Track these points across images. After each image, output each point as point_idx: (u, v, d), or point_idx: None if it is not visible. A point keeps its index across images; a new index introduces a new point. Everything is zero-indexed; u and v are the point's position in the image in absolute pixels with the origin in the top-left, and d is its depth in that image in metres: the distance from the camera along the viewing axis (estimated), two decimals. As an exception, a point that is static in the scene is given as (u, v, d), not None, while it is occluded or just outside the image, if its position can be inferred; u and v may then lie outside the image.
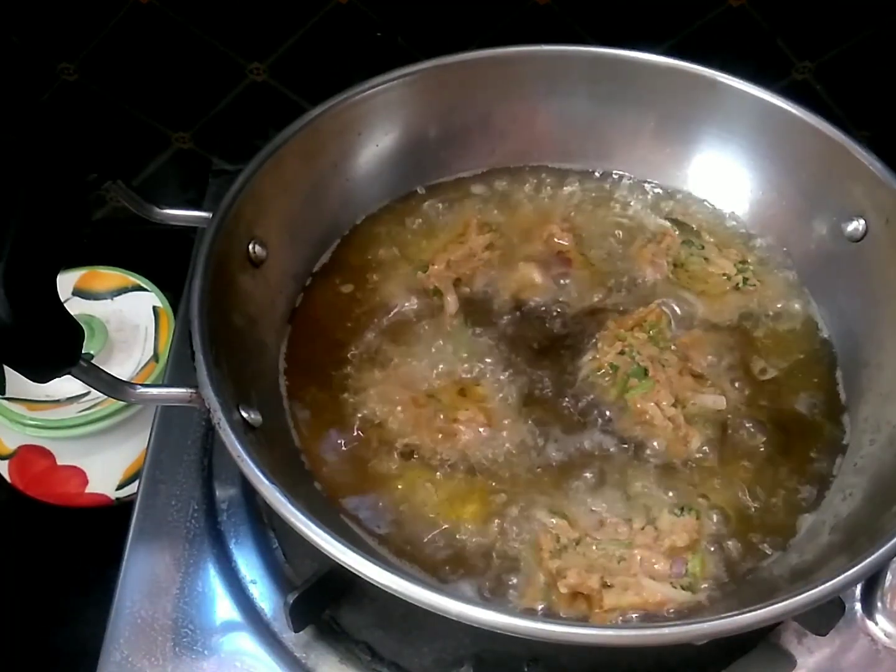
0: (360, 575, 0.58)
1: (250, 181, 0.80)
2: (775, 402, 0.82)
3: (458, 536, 0.73)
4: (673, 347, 0.84)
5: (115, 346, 1.03)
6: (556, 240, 0.93)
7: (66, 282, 1.06)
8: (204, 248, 0.74)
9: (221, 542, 0.83)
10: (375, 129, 0.93)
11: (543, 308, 0.88)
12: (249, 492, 0.85)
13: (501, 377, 0.82)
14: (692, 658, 0.75)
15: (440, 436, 0.78)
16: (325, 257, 0.92)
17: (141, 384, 0.70)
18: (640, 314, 0.86)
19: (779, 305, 0.89)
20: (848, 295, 0.86)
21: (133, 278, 1.09)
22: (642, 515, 0.74)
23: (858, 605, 0.80)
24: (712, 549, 0.73)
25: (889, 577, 0.80)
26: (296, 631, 0.74)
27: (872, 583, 0.80)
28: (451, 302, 0.87)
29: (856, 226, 0.85)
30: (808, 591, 0.59)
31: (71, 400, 0.99)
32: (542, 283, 0.89)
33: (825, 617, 0.70)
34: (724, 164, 0.96)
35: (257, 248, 0.82)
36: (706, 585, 0.71)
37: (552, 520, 0.73)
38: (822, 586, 0.59)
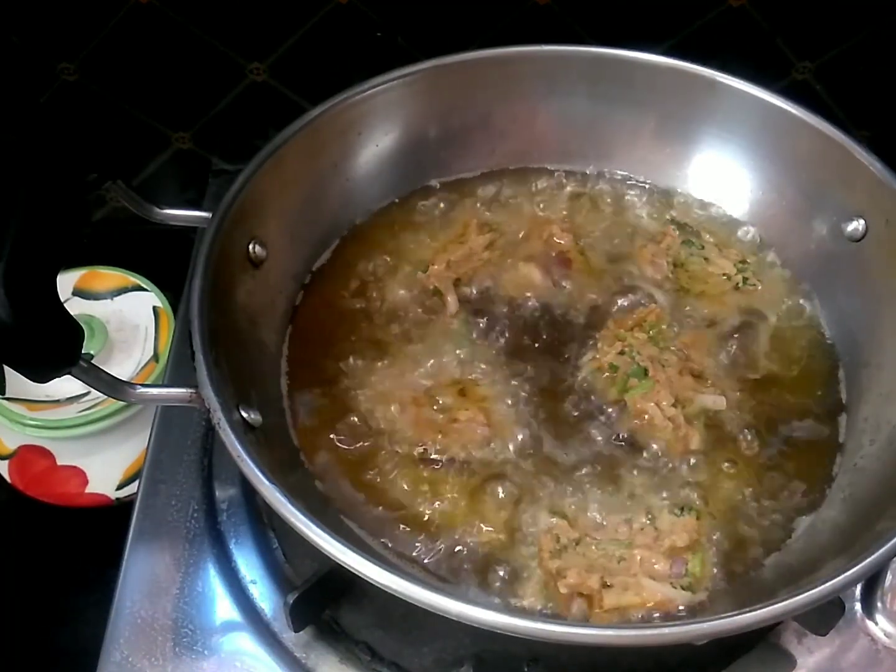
0: (360, 575, 0.58)
1: (250, 181, 0.80)
2: (775, 401, 0.82)
3: (457, 536, 0.73)
4: (673, 347, 0.84)
5: (115, 346, 1.03)
6: (556, 240, 0.93)
7: (66, 282, 1.06)
8: (204, 248, 0.75)
9: (221, 542, 0.83)
10: (375, 129, 0.93)
11: (543, 308, 0.88)
12: (249, 492, 0.85)
13: (501, 377, 0.82)
14: (692, 658, 0.75)
15: (440, 435, 0.78)
16: (325, 257, 0.92)
17: (141, 384, 0.70)
18: (640, 314, 0.86)
19: (779, 305, 0.89)
20: (848, 295, 0.86)
21: (133, 278, 1.09)
22: (642, 515, 0.74)
23: (858, 605, 0.80)
24: (712, 549, 0.73)
25: (889, 577, 0.80)
26: (296, 631, 0.74)
27: (872, 583, 0.80)
28: (451, 302, 0.87)
29: (856, 226, 0.85)
30: (808, 591, 0.59)
31: (71, 400, 0.99)
32: (542, 283, 0.89)
33: (825, 617, 0.70)
34: (724, 164, 0.96)
35: (257, 248, 0.82)
36: (706, 585, 0.71)
37: (552, 520, 0.73)
38: (822, 586, 0.59)
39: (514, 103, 0.97)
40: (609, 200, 0.98)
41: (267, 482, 0.61)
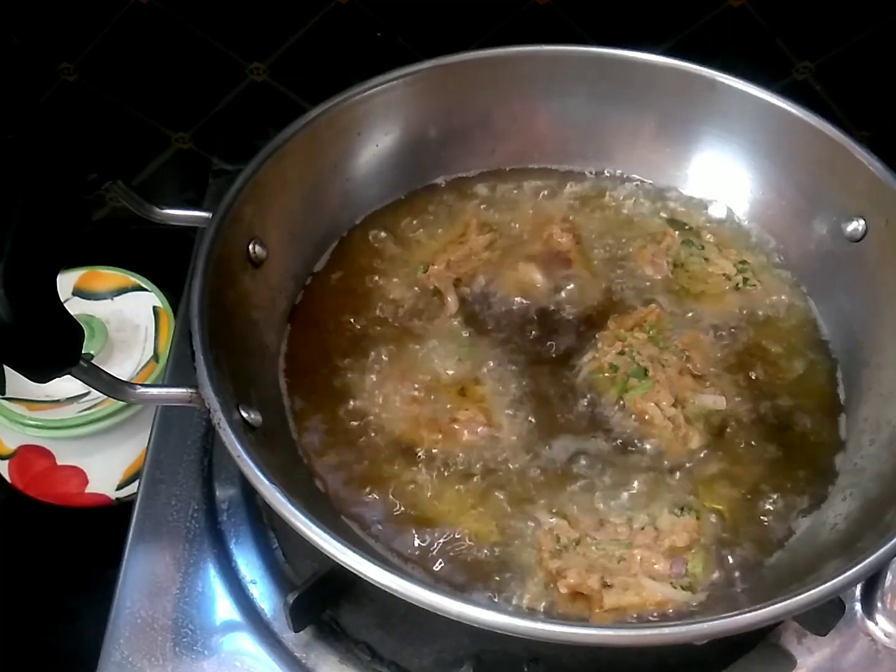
0: (360, 575, 0.58)
1: (250, 181, 0.80)
2: (775, 401, 0.82)
3: (457, 536, 0.73)
4: (673, 347, 0.84)
5: (115, 346, 1.03)
6: (556, 240, 0.93)
7: (66, 282, 1.06)
8: (204, 247, 0.75)
9: (221, 542, 0.83)
10: (375, 129, 0.93)
11: (543, 308, 0.88)
12: (249, 492, 0.85)
13: (501, 377, 0.82)
14: (692, 658, 0.75)
15: (440, 435, 0.78)
16: (325, 257, 0.92)
17: (141, 384, 0.70)
18: (640, 314, 0.86)
19: (779, 305, 0.89)
20: (848, 295, 0.86)
21: (133, 278, 1.09)
22: (642, 515, 0.74)
23: (858, 605, 0.80)
24: (712, 549, 0.73)
25: (889, 577, 0.80)
26: (296, 631, 0.74)
27: (872, 583, 0.80)
28: (451, 302, 0.87)
29: (856, 226, 0.85)
30: (808, 591, 0.59)
31: (71, 400, 0.99)
32: (542, 283, 0.89)
33: (825, 617, 0.70)
34: (724, 164, 0.96)
35: (257, 248, 0.82)
36: (706, 585, 0.71)
37: (552, 520, 0.73)
38: (822, 586, 0.59)
39: (514, 103, 0.97)
40: (609, 200, 0.98)
41: (267, 482, 0.61)
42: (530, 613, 0.69)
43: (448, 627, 0.59)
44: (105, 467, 1.02)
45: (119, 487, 1.03)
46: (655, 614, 0.69)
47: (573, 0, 1.07)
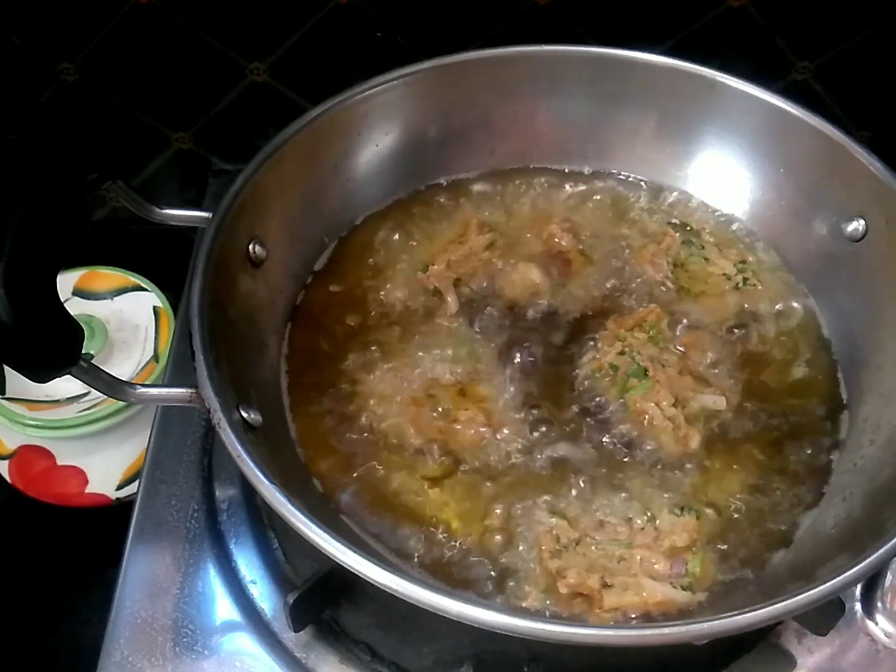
0: (360, 575, 0.58)
1: (250, 181, 0.80)
2: (775, 401, 0.82)
3: (457, 535, 0.73)
4: (673, 347, 0.84)
5: (115, 346, 1.03)
6: (556, 240, 0.93)
7: (66, 282, 1.06)
8: (204, 247, 0.75)
9: (221, 542, 0.83)
10: (375, 129, 0.93)
11: (543, 308, 0.88)
12: (249, 492, 0.85)
13: (501, 377, 0.82)
14: (692, 658, 0.75)
15: (440, 435, 0.78)
16: (325, 257, 0.92)
17: (141, 384, 0.70)
18: (640, 314, 0.86)
19: (779, 306, 0.89)
20: (848, 295, 0.86)
21: (133, 278, 1.09)
22: (642, 515, 0.74)
23: (858, 605, 0.80)
24: (712, 549, 0.73)
25: (889, 577, 0.80)
26: (296, 631, 0.74)
27: (872, 583, 0.80)
28: (451, 302, 0.87)
29: (856, 226, 0.85)
30: (808, 591, 0.59)
31: (71, 400, 0.99)
32: (542, 283, 0.89)
33: (825, 617, 0.70)
34: (724, 164, 0.96)
35: (257, 247, 0.82)
36: (706, 585, 0.71)
37: (552, 520, 0.73)
38: (822, 586, 0.59)
39: (514, 103, 0.97)
40: (609, 200, 0.98)
41: (267, 482, 0.61)
42: (530, 613, 0.69)
43: (448, 627, 0.59)
44: (105, 467, 1.02)
45: (119, 487, 1.03)
46: (655, 614, 0.69)
47: (573, 0, 1.07)
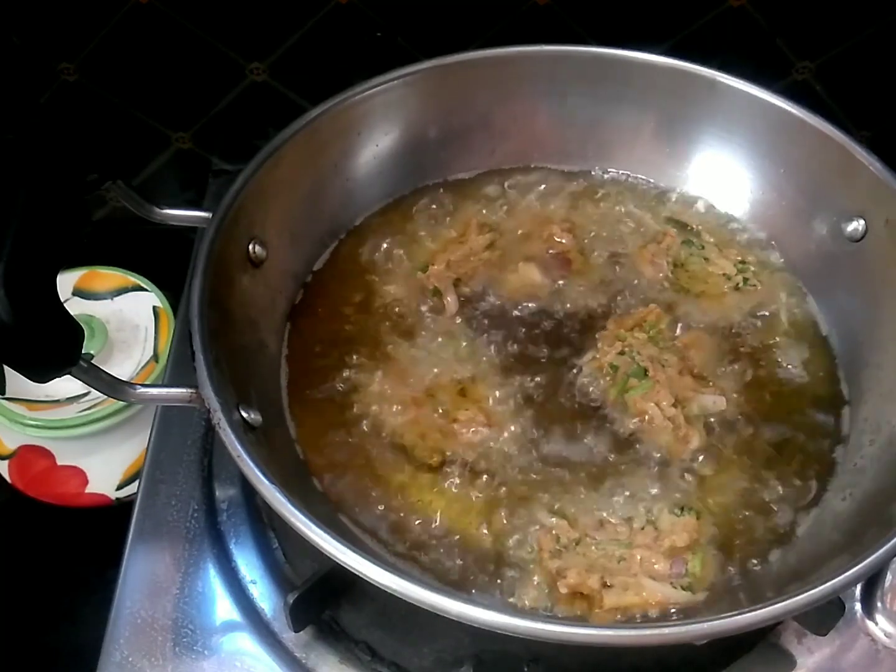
0: (360, 575, 0.58)
1: (250, 181, 0.80)
2: (775, 401, 0.82)
3: (457, 536, 0.73)
4: (673, 347, 0.84)
5: (115, 346, 1.03)
6: (556, 240, 0.93)
7: (66, 282, 1.06)
8: (204, 247, 0.75)
9: (221, 542, 0.83)
10: (375, 129, 0.93)
11: (543, 308, 0.88)
12: (249, 492, 0.85)
13: (501, 377, 0.82)
14: (692, 658, 0.75)
15: (440, 435, 0.78)
16: (325, 257, 0.92)
17: (141, 384, 0.70)
18: (640, 314, 0.86)
19: (779, 305, 0.89)
20: (848, 295, 0.86)
21: (133, 278, 1.09)
22: (642, 515, 0.74)
23: (858, 605, 0.80)
24: (712, 548, 0.73)
25: (889, 577, 0.80)
26: (296, 631, 0.74)
27: (872, 583, 0.80)
28: (451, 302, 0.87)
29: (856, 226, 0.85)
30: (808, 591, 0.59)
31: (71, 400, 0.99)
32: (542, 283, 0.90)
33: (825, 617, 0.70)
34: (724, 164, 0.96)
35: (257, 247, 0.82)
36: (706, 585, 0.71)
37: (552, 520, 0.73)
38: (822, 586, 0.59)
39: (514, 103, 0.97)
40: (609, 200, 0.98)
41: (267, 482, 0.61)
42: (530, 613, 0.69)
43: (448, 627, 0.59)
44: (105, 467, 1.02)
45: (119, 487, 1.03)
46: (655, 614, 0.69)
47: (573, 0, 1.07)
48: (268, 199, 0.83)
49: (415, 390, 0.81)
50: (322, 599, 0.73)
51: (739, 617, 0.58)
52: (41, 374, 0.62)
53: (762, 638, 0.77)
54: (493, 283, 0.90)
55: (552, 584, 0.70)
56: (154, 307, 1.07)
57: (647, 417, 0.79)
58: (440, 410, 0.80)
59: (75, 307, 1.04)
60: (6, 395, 0.98)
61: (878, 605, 0.79)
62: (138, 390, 0.68)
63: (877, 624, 0.79)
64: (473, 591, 0.70)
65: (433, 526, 0.74)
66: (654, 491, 0.76)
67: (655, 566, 0.71)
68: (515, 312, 0.88)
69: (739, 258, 0.92)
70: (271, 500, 0.61)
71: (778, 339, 0.87)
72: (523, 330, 0.86)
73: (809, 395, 0.83)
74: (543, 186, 0.99)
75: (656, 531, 0.73)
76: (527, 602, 0.70)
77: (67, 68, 1.11)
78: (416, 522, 0.74)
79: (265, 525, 0.84)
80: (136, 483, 0.89)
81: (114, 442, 1.01)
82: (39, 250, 0.61)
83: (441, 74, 0.93)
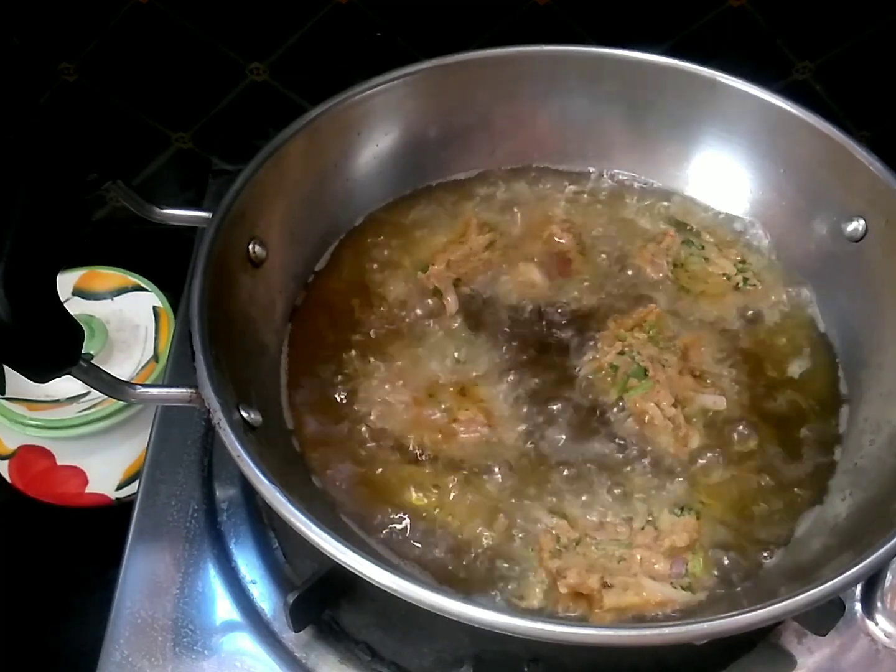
0: (360, 575, 0.58)
1: (250, 181, 0.80)
2: (775, 401, 0.82)
3: (457, 536, 0.73)
4: (673, 347, 0.84)
5: (115, 346, 1.03)
6: (556, 240, 0.93)
7: (66, 282, 1.06)
8: (204, 247, 0.74)
9: (221, 542, 0.83)
10: (375, 129, 0.93)
11: (543, 308, 0.88)
12: (249, 492, 0.85)
13: (501, 377, 0.82)
14: (692, 658, 0.75)
15: (440, 436, 0.78)
16: (326, 257, 0.92)
17: (141, 384, 0.70)
18: (640, 314, 0.86)
19: (779, 305, 0.89)
20: (848, 295, 0.86)
21: (133, 278, 1.09)
22: (642, 515, 0.74)
23: (858, 605, 0.80)
24: (712, 549, 0.73)
25: (889, 577, 0.80)
26: (296, 631, 0.74)
27: (872, 583, 0.80)
28: (451, 302, 0.87)
29: (856, 226, 0.85)
30: (808, 591, 0.59)
31: (71, 400, 0.99)
32: (541, 283, 0.90)
33: (825, 617, 0.70)
34: (724, 164, 0.96)
35: (257, 248, 0.82)
36: (706, 585, 0.71)
37: (552, 520, 0.73)
38: (822, 586, 0.59)
39: (514, 103, 0.97)
40: (609, 200, 0.98)
41: (267, 482, 0.61)
42: (530, 613, 0.69)
43: (448, 627, 0.59)
44: (105, 467, 1.02)
45: (119, 487, 1.03)
46: (655, 614, 0.69)
47: (573, 0, 1.07)
48: (268, 199, 0.83)
49: (415, 390, 0.81)
50: (322, 599, 0.73)
51: (739, 617, 0.58)
52: (41, 374, 0.62)
53: (762, 638, 0.77)
54: (494, 283, 0.90)
55: (552, 584, 0.70)
56: (154, 307, 1.07)
57: (647, 417, 0.79)
58: (440, 410, 0.80)
59: (75, 307, 1.04)
60: (6, 395, 0.98)
61: (878, 605, 0.79)
62: (138, 390, 0.68)
63: (877, 624, 0.79)
64: (473, 591, 0.70)
65: (433, 525, 0.74)
66: (654, 491, 0.76)
67: (655, 566, 0.71)
68: (515, 312, 0.88)
69: (739, 258, 0.92)
70: (271, 500, 0.61)
71: (778, 339, 0.87)
72: (523, 330, 0.86)
73: (809, 394, 0.83)
74: (543, 186, 0.99)
75: (656, 531, 0.73)
76: (527, 602, 0.70)
77: (67, 68, 1.11)
78: (416, 522, 0.74)
79: (265, 525, 0.84)
80: (136, 483, 0.89)
81: (114, 442, 1.01)
82: (39, 250, 0.61)
83: (441, 74, 0.93)
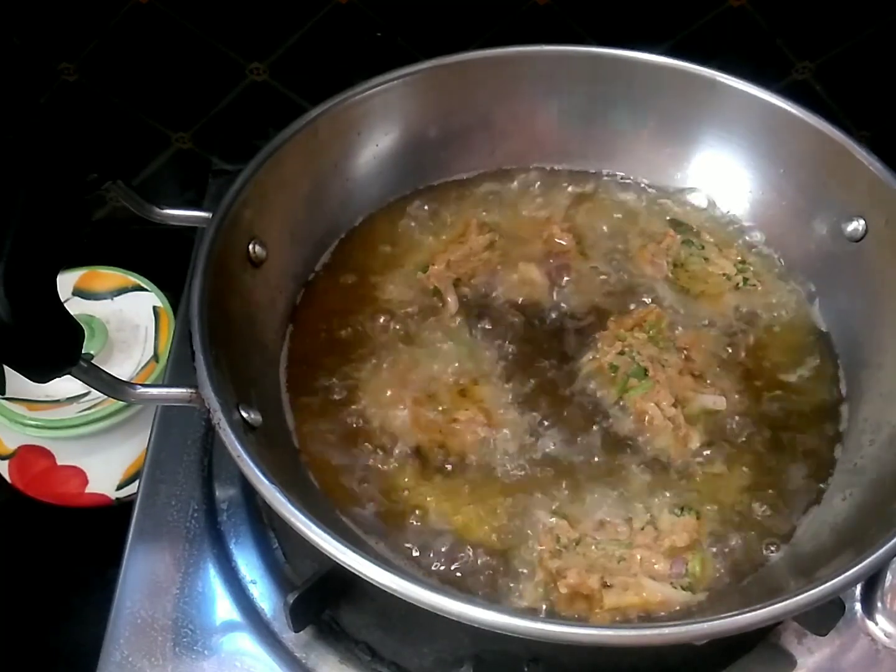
0: (360, 575, 0.58)
1: (250, 181, 0.80)
2: (775, 401, 0.82)
3: (457, 536, 0.73)
4: (673, 347, 0.84)
5: (115, 346, 1.03)
6: (556, 240, 0.93)
7: (66, 282, 1.06)
8: (204, 247, 0.74)
9: (221, 542, 0.83)
10: (375, 129, 0.93)
11: (543, 308, 0.88)
12: (249, 492, 0.85)
13: (501, 377, 0.82)
14: (692, 658, 0.75)
15: (440, 435, 0.78)
16: (325, 257, 0.92)
17: (141, 384, 0.70)
18: (640, 314, 0.86)
19: (778, 305, 0.89)
20: (848, 295, 0.86)
21: (133, 278, 1.09)
22: (642, 515, 0.74)
23: (858, 605, 0.80)
24: (712, 549, 0.73)
25: (889, 577, 0.80)
26: (296, 631, 0.74)
27: (872, 583, 0.80)
28: (451, 302, 0.87)
29: (856, 226, 0.85)
30: (808, 591, 0.59)
31: (71, 400, 0.99)
32: (541, 283, 0.90)
33: (825, 617, 0.70)
34: (724, 164, 0.96)
35: (257, 247, 0.82)
36: (706, 585, 0.71)
37: (552, 520, 0.73)
38: (822, 586, 0.59)
39: (514, 103, 0.97)
40: (609, 200, 0.98)
41: (267, 482, 0.61)
42: (530, 613, 0.69)
43: (448, 627, 0.59)
44: (105, 467, 1.02)
45: (119, 487, 1.03)
46: (655, 614, 0.69)
47: (573, 0, 1.07)
48: (268, 199, 0.83)
49: (415, 390, 0.81)
50: (322, 599, 0.73)
51: (739, 617, 0.58)
52: (41, 374, 0.62)
53: (762, 638, 0.77)
54: (494, 283, 0.90)
55: (552, 584, 0.70)
56: (154, 307, 1.07)
57: (647, 417, 0.79)
58: (440, 410, 0.80)
59: (75, 307, 1.04)
60: (6, 395, 0.98)
61: (878, 605, 0.79)
62: (138, 390, 0.68)
63: (877, 624, 0.79)
64: (473, 590, 0.70)
65: (433, 525, 0.74)
66: (654, 491, 0.76)
67: (655, 566, 0.71)
68: (515, 312, 0.88)
69: (739, 258, 0.92)
70: (271, 500, 0.61)
71: (778, 339, 0.87)
72: (523, 330, 0.86)
73: (809, 394, 0.83)
74: (543, 186, 0.99)
75: (656, 531, 0.73)
76: (527, 602, 0.70)
77: (67, 68, 1.11)
78: (416, 522, 0.74)
79: (265, 525, 0.84)
80: (136, 483, 0.89)
81: (114, 442, 1.01)
82: (39, 250, 0.61)
83: (441, 74, 0.93)
